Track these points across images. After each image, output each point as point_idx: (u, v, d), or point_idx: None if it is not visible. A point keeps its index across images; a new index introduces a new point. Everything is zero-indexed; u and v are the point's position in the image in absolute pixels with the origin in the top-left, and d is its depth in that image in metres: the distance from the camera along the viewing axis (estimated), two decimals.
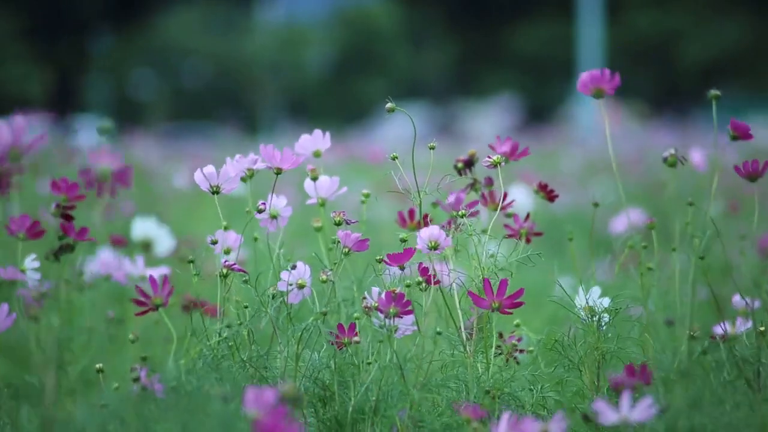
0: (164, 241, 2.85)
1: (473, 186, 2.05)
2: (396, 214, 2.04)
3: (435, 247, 1.81)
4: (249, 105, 26.00)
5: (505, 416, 1.55)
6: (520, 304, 1.77)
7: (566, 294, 1.87)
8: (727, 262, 2.65)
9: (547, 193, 2.03)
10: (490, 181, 2.05)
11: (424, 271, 1.80)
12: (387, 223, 4.60)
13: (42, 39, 25.70)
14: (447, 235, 1.81)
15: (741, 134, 1.87)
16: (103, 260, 2.44)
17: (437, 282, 1.82)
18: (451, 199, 2.00)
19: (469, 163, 2.06)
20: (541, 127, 15.21)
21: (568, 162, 9.28)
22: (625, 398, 1.52)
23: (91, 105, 26.05)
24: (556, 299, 1.93)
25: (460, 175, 2.04)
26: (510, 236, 1.98)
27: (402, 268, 1.80)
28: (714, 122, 1.88)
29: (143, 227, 2.84)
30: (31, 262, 1.87)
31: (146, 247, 2.81)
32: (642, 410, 1.52)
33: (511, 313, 1.79)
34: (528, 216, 2.00)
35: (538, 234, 2.00)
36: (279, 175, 1.88)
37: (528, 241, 1.97)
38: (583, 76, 1.91)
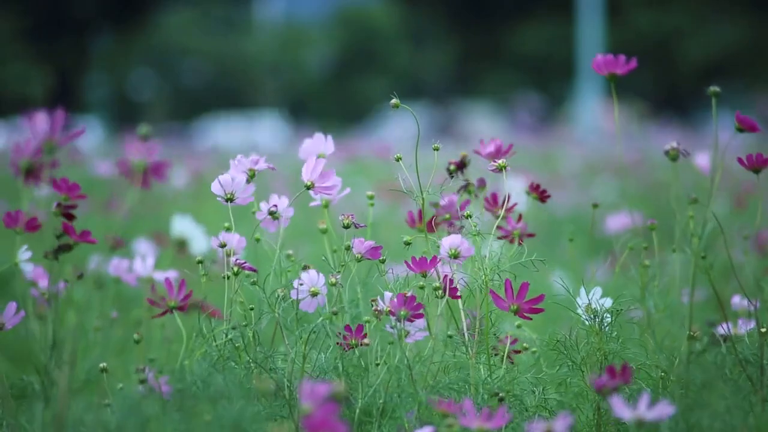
0: (200, 241, 2.76)
1: (466, 188, 2.06)
2: (394, 213, 2.05)
3: (456, 256, 1.82)
4: (249, 105, 25.98)
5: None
6: (539, 310, 1.77)
7: (568, 293, 1.87)
8: (730, 262, 2.65)
9: (539, 193, 2.03)
10: (482, 183, 2.06)
11: (446, 279, 1.79)
12: (385, 222, 4.60)
13: (42, 39, 25.69)
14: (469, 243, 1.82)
15: (746, 127, 1.86)
16: (113, 262, 2.41)
17: (457, 296, 1.81)
18: (444, 201, 2.01)
19: (461, 166, 2.07)
20: (541, 127, 15.20)
21: (567, 162, 9.27)
22: (644, 399, 1.53)
23: (91, 105, 26.05)
24: (556, 299, 1.93)
25: (451, 177, 2.05)
26: (502, 237, 1.98)
27: (424, 275, 1.79)
28: (714, 119, 1.88)
29: (181, 225, 2.75)
30: (24, 253, 1.86)
31: (181, 245, 2.72)
32: (658, 410, 1.52)
33: (530, 319, 1.79)
34: (521, 217, 2.00)
35: (531, 235, 2.00)
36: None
37: (521, 242, 1.97)
38: (598, 58, 1.93)
